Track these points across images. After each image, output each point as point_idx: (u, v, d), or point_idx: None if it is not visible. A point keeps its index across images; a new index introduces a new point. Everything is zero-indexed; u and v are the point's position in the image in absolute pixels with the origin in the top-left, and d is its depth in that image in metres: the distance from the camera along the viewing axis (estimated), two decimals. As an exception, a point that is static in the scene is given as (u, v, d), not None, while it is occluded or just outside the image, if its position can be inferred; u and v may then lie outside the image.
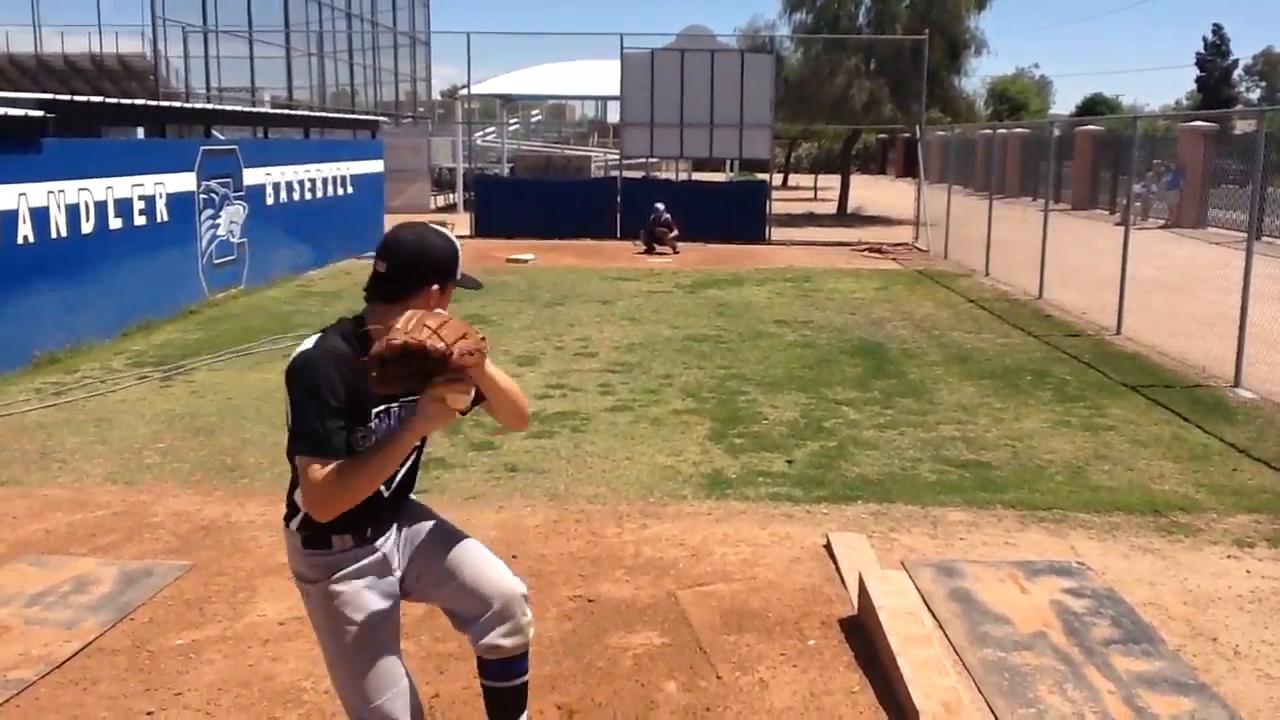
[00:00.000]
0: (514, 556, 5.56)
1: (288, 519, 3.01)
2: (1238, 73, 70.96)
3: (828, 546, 5.70)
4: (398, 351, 2.51)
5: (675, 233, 21.07)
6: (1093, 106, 63.09)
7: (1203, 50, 70.05)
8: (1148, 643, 4.64)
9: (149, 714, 4.06)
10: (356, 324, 2.89)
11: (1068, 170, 33.15)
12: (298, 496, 2.89)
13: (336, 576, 2.97)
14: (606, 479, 6.88)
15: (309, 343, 2.86)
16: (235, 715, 4.05)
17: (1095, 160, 33.16)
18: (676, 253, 20.72)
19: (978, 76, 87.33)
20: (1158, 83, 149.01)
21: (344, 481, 2.72)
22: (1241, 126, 26.85)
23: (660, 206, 21.37)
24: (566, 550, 5.68)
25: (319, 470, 2.71)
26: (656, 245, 20.86)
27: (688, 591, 5.16)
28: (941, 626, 4.79)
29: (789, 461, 7.27)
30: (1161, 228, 25.47)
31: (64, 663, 4.42)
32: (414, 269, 2.86)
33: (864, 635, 4.66)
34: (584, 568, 5.45)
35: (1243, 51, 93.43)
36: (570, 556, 5.60)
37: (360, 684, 2.99)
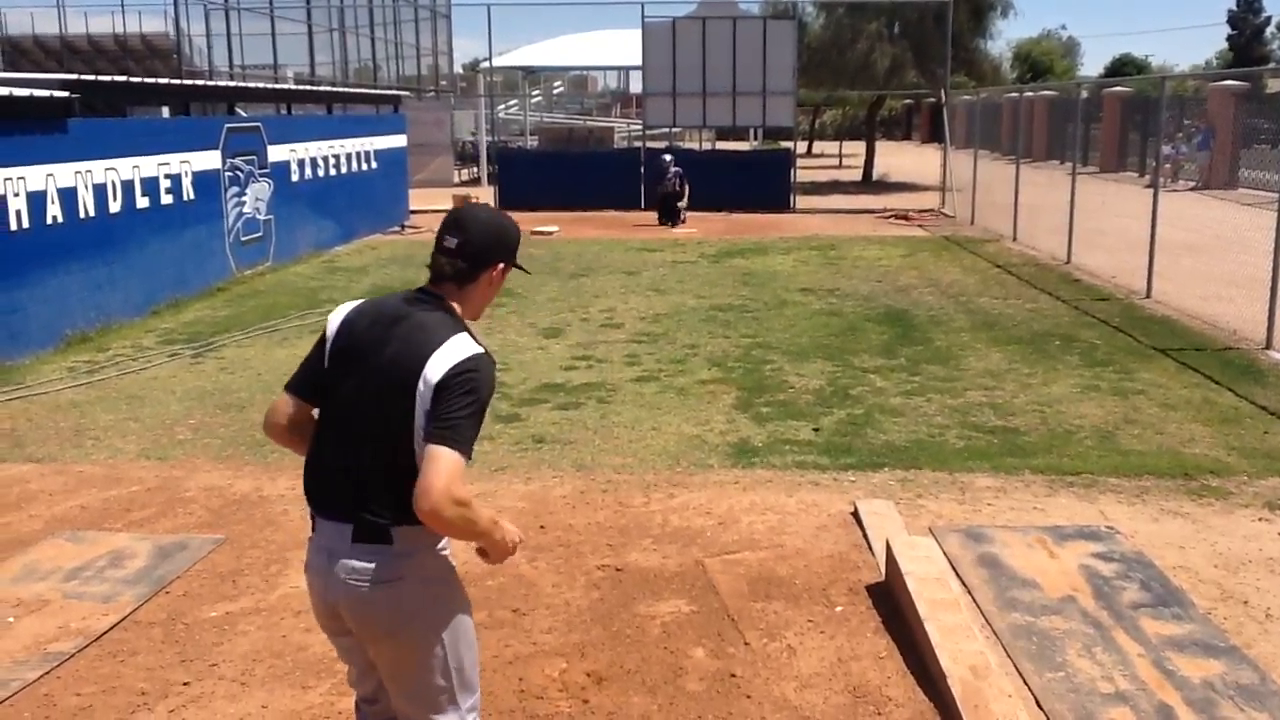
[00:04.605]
0: (541, 527, 5.61)
1: (394, 524, 2.63)
2: (1270, 30, 69.68)
3: (855, 513, 5.71)
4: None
5: (685, 202, 20.71)
6: (1121, 67, 62.18)
7: (1234, 8, 68.86)
8: (1178, 606, 4.63)
9: (185, 684, 4.13)
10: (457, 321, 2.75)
11: (1096, 133, 32.72)
12: (430, 494, 2.49)
13: (445, 550, 2.81)
14: (633, 449, 6.91)
15: (470, 341, 2.65)
16: (269, 685, 4.11)
17: (1124, 122, 32.73)
18: (683, 221, 20.43)
19: (1003, 39, 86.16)
20: (1188, 42, 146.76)
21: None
22: (1273, 85, 26.42)
23: (667, 158, 21.09)
24: (594, 520, 5.72)
25: (461, 472, 2.56)
26: (671, 221, 20.52)
27: (715, 560, 5.18)
28: (969, 592, 4.80)
29: (815, 429, 7.27)
30: (1191, 189, 25.14)
31: (102, 635, 4.50)
32: (489, 247, 2.78)
33: (891, 601, 4.67)
34: (612, 537, 5.48)
35: (1276, 9, 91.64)
36: (598, 526, 5.63)
37: (474, 668, 2.86)
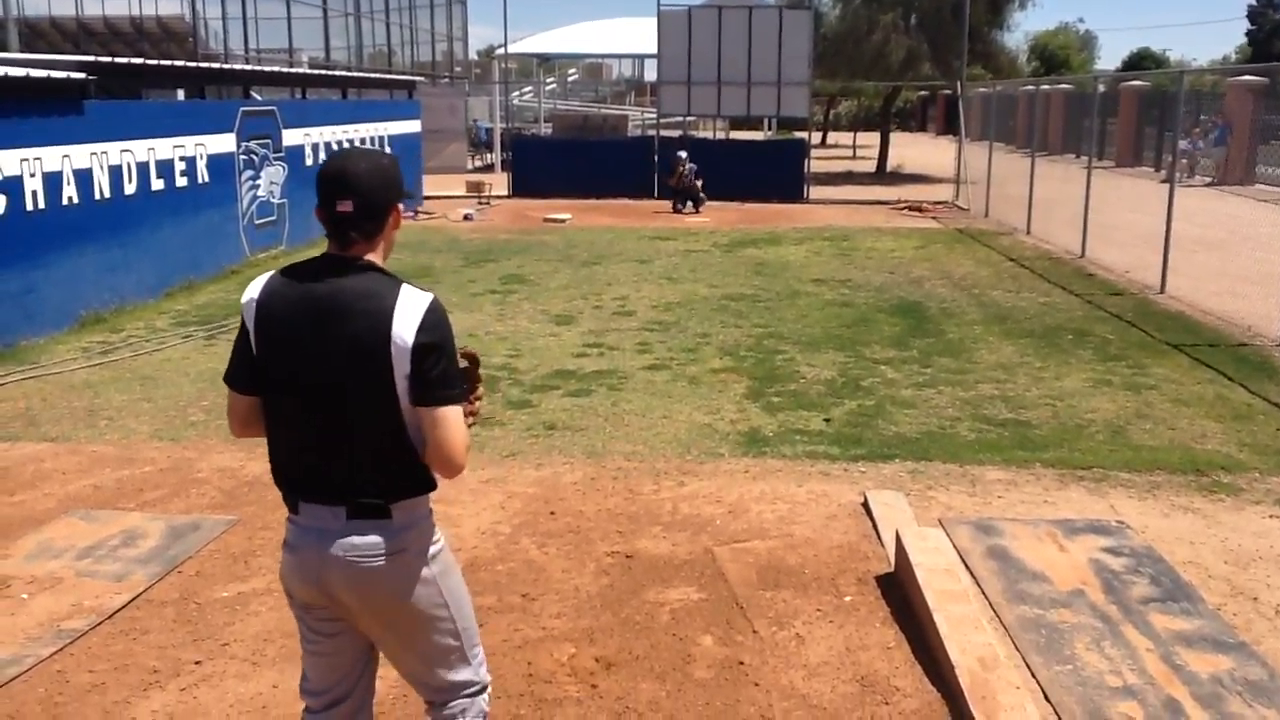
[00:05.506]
0: (552, 513, 5.63)
1: (392, 500, 2.65)
2: (1290, 26, 69.09)
3: (865, 504, 5.71)
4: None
5: (701, 184, 20.75)
6: (1139, 62, 61.85)
7: (1254, 3, 68.33)
8: (1187, 601, 4.62)
9: (197, 663, 4.16)
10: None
11: (1112, 127, 32.56)
12: (454, 459, 2.61)
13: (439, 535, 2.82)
14: (644, 437, 6.92)
15: (415, 291, 2.62)
16: (280, 665, 4.14)
17: (1140, 117, 32.55)
18: (698, 211, 20.48)
19: (1020, 31, 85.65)
20: (1207, 37, 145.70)
21: None
22: (1292, 81, 26.23)
23: (682, 154, 21.06)
24: (604, 507, 5.73)
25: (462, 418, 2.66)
26: (684, 205, 20.58)
27: (725, 548, 5.19)
28: (979, 584, 4.80)
29: (826, 420, 7.27)
30: (1207, 185, 25.01)
31: (114, 614, 4.54)
32: (383, 197, 2.66)
33: (900, 592, 4.68)
34: (622, 524, 5.49)
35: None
36: (608, 513, 5.65)
37: (474, 621, 2.92)
